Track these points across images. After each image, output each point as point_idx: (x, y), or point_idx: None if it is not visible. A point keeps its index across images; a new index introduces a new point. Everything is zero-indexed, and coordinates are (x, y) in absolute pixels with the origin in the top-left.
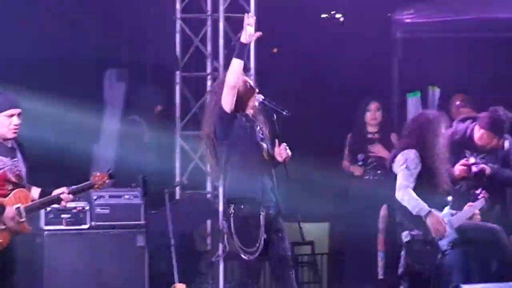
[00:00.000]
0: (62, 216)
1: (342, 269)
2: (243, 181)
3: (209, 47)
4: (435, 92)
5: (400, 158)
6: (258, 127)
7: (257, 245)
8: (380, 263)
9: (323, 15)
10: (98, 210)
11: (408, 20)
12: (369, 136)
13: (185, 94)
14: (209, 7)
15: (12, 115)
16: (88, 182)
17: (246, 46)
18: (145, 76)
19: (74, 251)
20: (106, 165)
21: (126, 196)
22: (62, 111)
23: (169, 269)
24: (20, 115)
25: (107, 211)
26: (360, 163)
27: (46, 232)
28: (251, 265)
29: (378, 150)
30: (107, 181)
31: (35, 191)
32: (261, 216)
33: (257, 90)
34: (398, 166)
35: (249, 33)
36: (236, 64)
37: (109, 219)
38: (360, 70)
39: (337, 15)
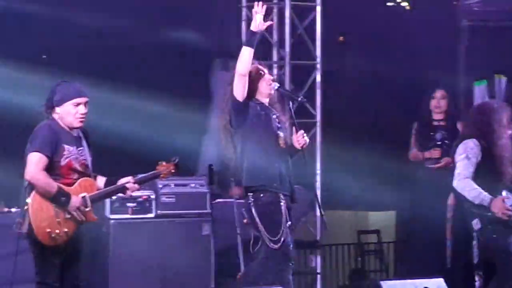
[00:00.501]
0: (128, 205)
1: (409, 257)
2: (261, 168)
3: (275, 36)
4: (502, 81)
5: (460, 147)
6: (274, 115)
7: (280, 232)
8: (448, 252)
9: (389, 3)
10: (163, 198)
11: (475, 8)
12: (435, 123)
13: None
14: None
15: (78, 104)
16: (154, 171)
17: (256, 34)
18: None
19: (140, 240)
20: (211, 157)
21: (192, 185)
22: (138, 100)
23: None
24: (86, 104)
25: (173, 199)
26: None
27: (111, 221)
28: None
29: (437, 154)
30: (173, 170)
31: (101, 180)
32: (282, 204)
33: (272, 77)
34: (458, 155)
35: (259, 21)
36: (246, 52)
37: (174, 207)
38: (426, 58)
39: (403, 3)
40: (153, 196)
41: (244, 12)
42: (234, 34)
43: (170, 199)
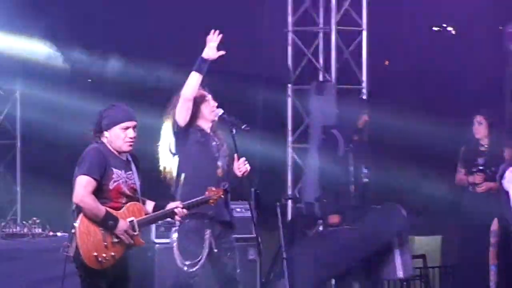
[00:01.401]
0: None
1: (454, 282)
2: (195, 195)
3: (321, 60)
4: None
5: (508, 174)
6: (214, 143)
7: (198, 259)
8: (493, 277)
9: (435, 28)
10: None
11: None
12: (480, 148)
13: (296, 107)
14: (321, 20)
15: (127, 128)
16: (203, 196)
17: (206, 61)
18: (258, 88)
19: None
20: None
21: (238, 209)
22: None
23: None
24: (135, 128)
25: None
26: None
27: (157, 246)
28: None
29: (480, 179)
30: (222, 196)
31: (149, 205)
32: (207, 232)
33: (215, 104)
34: (508, 183)
35: (212, 50)
36: (194, 77)
37: None
38: (472, 83)
39: (449, 28)
40: None
41: (290, 36)
42: (279, 58)
43: None
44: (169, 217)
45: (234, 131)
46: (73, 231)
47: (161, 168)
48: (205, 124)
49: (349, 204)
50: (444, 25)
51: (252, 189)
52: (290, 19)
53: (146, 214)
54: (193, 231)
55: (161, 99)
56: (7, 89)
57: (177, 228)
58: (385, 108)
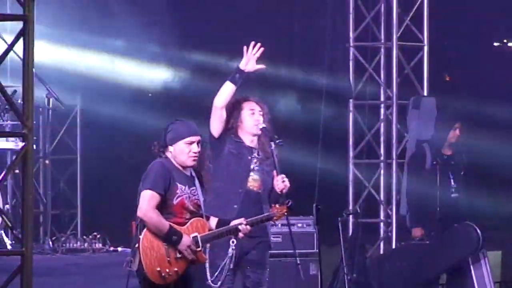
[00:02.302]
0: None
1: None
2: (217, 207)
3: (382, 75)
4: None
5: None
6: (250, 156)
7: (217, 275)
8: None
9: (496, 43)
10: (271, 238)
11: None
12: None
13: (358, 122)
14: (382, 36)
15: (191, 143)
16: (267, 213)
17: (243, 72)
18: (320, 103)
19: None
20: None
21: (299, 225)
22: None
23: None
24: (199, 143)
25: (280, 239)
26: None
27: None
28: None
29: None
30: (286, 213)
31: (213, 221)
32: (230, 247)
33: (260, 118)
34: None
35: (251, 62)
36: (228, 87)
37: (282, 247)
38: None
39: (510, 43)
40: None
41: (351, 51)
42: (342, 72)
43: (277, 238)
44: (233, 234)
45: (273, 145)
46: (136, 245)
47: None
48: (245, 136)
49: (433, 218)
50: (505, 41)
51: (314, 205)
52: (351, 34)
53: (209, 230)
54: (217, 246)
55: None
56: (68, 104)
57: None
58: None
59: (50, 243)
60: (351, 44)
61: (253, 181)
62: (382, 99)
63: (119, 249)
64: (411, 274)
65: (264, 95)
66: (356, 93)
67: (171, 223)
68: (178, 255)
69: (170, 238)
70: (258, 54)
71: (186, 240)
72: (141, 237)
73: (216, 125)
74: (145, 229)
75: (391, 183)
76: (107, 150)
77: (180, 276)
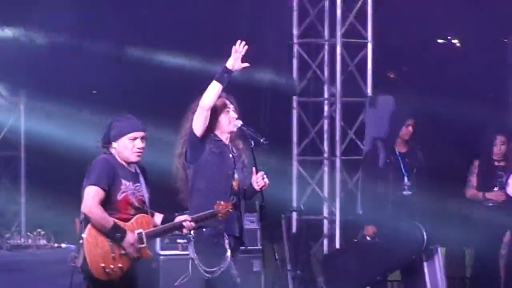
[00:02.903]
0: (178, 241)
1: None
2: (207, 208)
3: (326, 73)
4: None
5: (511, 181)
6: (231, 155)
7: (220, 264)
8: None
9: (440, 40)
10: None
11: None
12: (496, 164)
13: (302, 119)
14: (326, 33)
15: (135, 138)
16: (212, 210)
17: (230, 72)
18: (262, 100)
19: (190, 276)
20: None
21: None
22: None
23: None
24: (143, 139)
25: None
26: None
27: (161, 257)
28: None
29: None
30: (230, 210)
31: (158, 218)
32: (226, 240)
33: (235, 115)
34: None
35: (237, 61)
36: (214, 87)
37: None
38: (477, 95)
39: (454, 40)
40: None
41: (295, 48)
42: (285, 70)
43: None
44: (177, 230)
45: (252, 144)
46: (81, 241)
47: (176, 182)
48: (222, 134)
49: (386, 216)
50: (449, 38)
51: (256, 202)
52: (295, 31)
53: (154, 227)
54: (212, 238)
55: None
56: (11, 100)
57: (194, 238)
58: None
59: None
60: (295, 41)
61: (233, 179)
62: (326, 96)
63: (63, 245)
64: (360, 272)
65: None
66: (300, 90)
67: (116, 220)
68: (123, 252)
69: (114, 235)
70: (243, 53)
71: (129, 237)
72: (85, 233)
73: (201, 125)
74: (89, 225)
75: (335, 180)
76: (50, 147)
77: (125, 272)
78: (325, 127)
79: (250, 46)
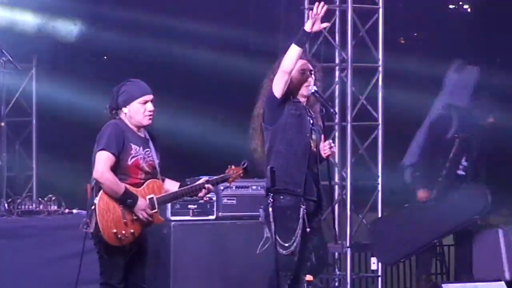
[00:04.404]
0: (189, 206)
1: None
2: (286, 171)
3: (337, 38)
4: None
5: None
6: (309, 117)
7: (293, 239)
8: None
9: (451, 6)
10: (225, 200)
11: None
12: None
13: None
14: None
15: (146, 102)
16: (223, 175)
17: (309, 34)
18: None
19: (201, 242)
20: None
21: (253, 187)
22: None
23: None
24: (152, 101)
25: (234, 201)
26: None
27: (173, 223)
28: (286, 259)
29: None
30: (242, 174)
31: (168, 183)
32: (301, 210)
33: (311, 79)
34: None
35: (317, 22)
36: (294, 50)
37: (236, 210)
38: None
39: (465, 6)
40: (214, 198)
41: (306, 14)
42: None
43: (231, 201)
44: (191, 195)
45: (324, 111)
46: (92, 207)
47: (252, 143)
48: (301, 97)
49: (439, 183)
50: (460, 3)
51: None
52: None
53: (165, 192)
54: (290, 208)
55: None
56: (23, 66)
57: (270, 204)
58: (400, 90)
59: (6, 205)
60: (306, 6)
61: (312, 141)
62: (337, 61)
63: (74, 211)
64: (414, 237)
65: (220, 57)
66: (310, 56)
67: (127, 185)
68: (134, 217)
69: (125, 201)
70: (322, 13)
71: (141, 203)
72: (97, 199)
73: (281, 88)
74: (101, 191)
75: (346, 146)
76: (62, 112)
77: (136, 238)
78: (336, 92)
79: (262, 13)
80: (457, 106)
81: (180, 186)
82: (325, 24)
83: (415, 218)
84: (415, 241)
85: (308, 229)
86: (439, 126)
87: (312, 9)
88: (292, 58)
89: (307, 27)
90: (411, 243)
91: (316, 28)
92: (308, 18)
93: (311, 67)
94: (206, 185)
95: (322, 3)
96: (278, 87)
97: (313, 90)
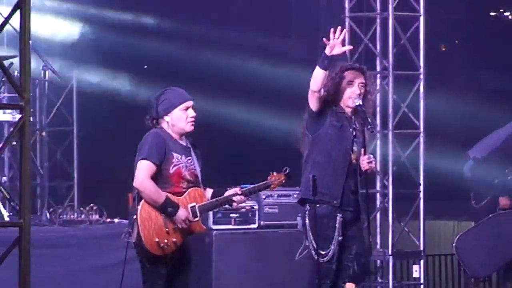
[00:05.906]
0: (231, 215)
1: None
2: (323, 182)
3: (378, 46)
4: None
5: None
6: (351, 129)
7: (330, 247)
8: None
9: (492, 13)
10: (266, 209)
11: None
12: None
13: None
14: (378, 6)
15: (187, 108)
16: (264, 182)
17: (329, 58)
18: None
19: (243, 251)
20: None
21: (295, 195)
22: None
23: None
24: (193, 107)
25: (276, 210)
26: None
27: (214, 232)
28: (324, 266)
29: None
30: (284, 181)
31: (209, 192)
32: (338, 218)
33: (358, 92)
34: None
35: (337, 47)
36: (317, 72)
37: (277, 218)
38: None
39: (506, 13)
40: (256, 207)
41: (347, 22)
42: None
43: (273, 209)
44: (228, 204)
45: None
46: (134, 217)
47: (302, 148)
48: (346, 108)
49: None
50: (502, 10)
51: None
52: (347, 4)
53: (207, 200)
54: (326, 216)
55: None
56: (64, 76)
57: (307, 213)
58: (442, 97)
59: (47, 214)
60: (347, 14)
61: (352, 153)
62: (378, 69)
63: (116, 220)
64: (506, 245)
65: (261, 65)
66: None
67: (169, 194)
68: (176, 226)
69: (166, 210)
70: (342, 37)
71: (181, 213)
72: (139, 208)
73: (314, 105)
74: (142, 200)
75: (387, 154)
76: (103, 121)
77: (178, 247)
78: (378, 100)
79: (303, 21)
80: None
81: (213, 193)
82: (346, 48)
83: (502, 227)
84: (508, 251)
85: (340, 238)
86: None
87: (354, 18)
88: (317, 79)
89: (327, 51)
90: (503, 253)
91: (337, 52)
92: (349, 27)
93: (363, 80)
94: (235, 198)
95: (339, 27)
96: (311, 103)
97: (357, 103)
